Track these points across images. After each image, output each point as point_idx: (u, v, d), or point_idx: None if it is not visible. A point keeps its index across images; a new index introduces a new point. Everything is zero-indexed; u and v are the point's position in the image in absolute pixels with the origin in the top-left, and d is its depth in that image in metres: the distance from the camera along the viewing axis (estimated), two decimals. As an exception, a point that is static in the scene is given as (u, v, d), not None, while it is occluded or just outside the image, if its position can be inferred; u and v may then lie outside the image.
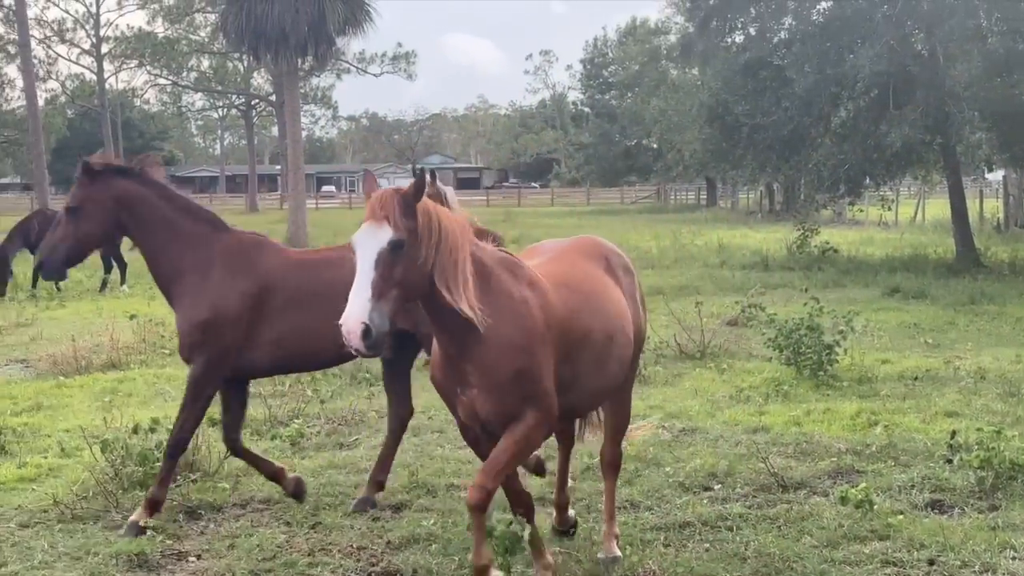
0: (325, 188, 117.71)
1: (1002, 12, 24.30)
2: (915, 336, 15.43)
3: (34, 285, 23.03)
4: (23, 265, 23.73)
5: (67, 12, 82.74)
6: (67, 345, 14.64)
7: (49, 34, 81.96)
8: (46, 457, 9.62)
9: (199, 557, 7.15)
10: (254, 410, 10.58)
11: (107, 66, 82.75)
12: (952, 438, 8.81)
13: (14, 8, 53.37)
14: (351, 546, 7.19)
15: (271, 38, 37.23)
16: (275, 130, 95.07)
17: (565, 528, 7.26)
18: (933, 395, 11.29)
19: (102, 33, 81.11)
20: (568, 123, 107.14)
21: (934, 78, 23.80)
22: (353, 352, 5.22)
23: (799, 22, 27.92)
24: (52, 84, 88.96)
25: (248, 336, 7.72)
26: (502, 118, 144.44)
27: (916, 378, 12.13)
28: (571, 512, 7.34)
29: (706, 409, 10.96)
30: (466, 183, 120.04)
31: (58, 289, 23.17)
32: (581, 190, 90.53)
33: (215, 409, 8.27)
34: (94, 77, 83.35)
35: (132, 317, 17.10)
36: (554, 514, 7.31)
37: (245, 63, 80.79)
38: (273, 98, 79.10)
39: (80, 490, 8.30)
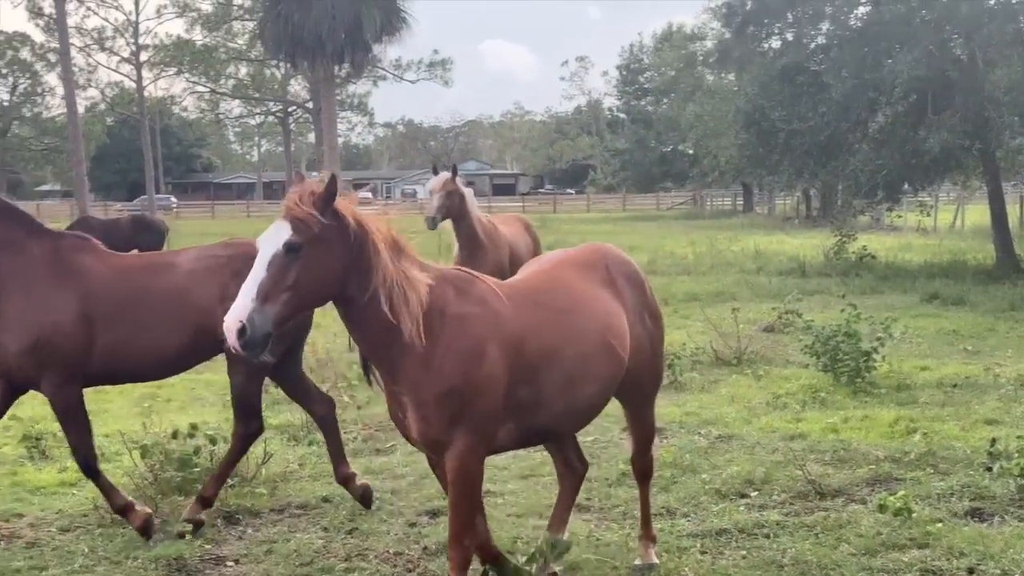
0: (361, 194, 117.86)
1: (1042, 16, 24.12)
2: (954, 343, 15.32)
3: None
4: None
5: (107, 20, 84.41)
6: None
7: (89, 42, 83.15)
8: (86, 462, 9.72)
9: (237, 562, 7.20)
10: (291, 416, 10.65)
11: (146, 74, 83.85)
12: (992, 446, 8.74)
13: (55, 17, 54.02)
14: (388, 551, 7.22)
15: (308, 45, 37.50)
16: (312, 137, 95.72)
17: None
18: (972, 402, 11.21)
19: (141, 41, 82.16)
20: (604, 129, 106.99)
21: (973, 83, 23.61)
22: (233, 350, 5.02)
23: (836, 27, 27.76)
24: (92, 92, 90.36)
25: (85, 346, 7.33)
26: (538, 124, 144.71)
27: (955, 385, 12.04)
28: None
29: (742, 416, 10.93)
30: (502, 189, 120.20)
31: None
32: (617, 196, 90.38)
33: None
34: (133, 85, 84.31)
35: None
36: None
37: (282, 70, 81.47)
38: (310, 105, 79.60)
39: (120, 495, 8.36)
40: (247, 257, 5.71)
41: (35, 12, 78.14)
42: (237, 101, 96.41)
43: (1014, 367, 12.90)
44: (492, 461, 9.05)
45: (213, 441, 8.71)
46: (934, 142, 22.90)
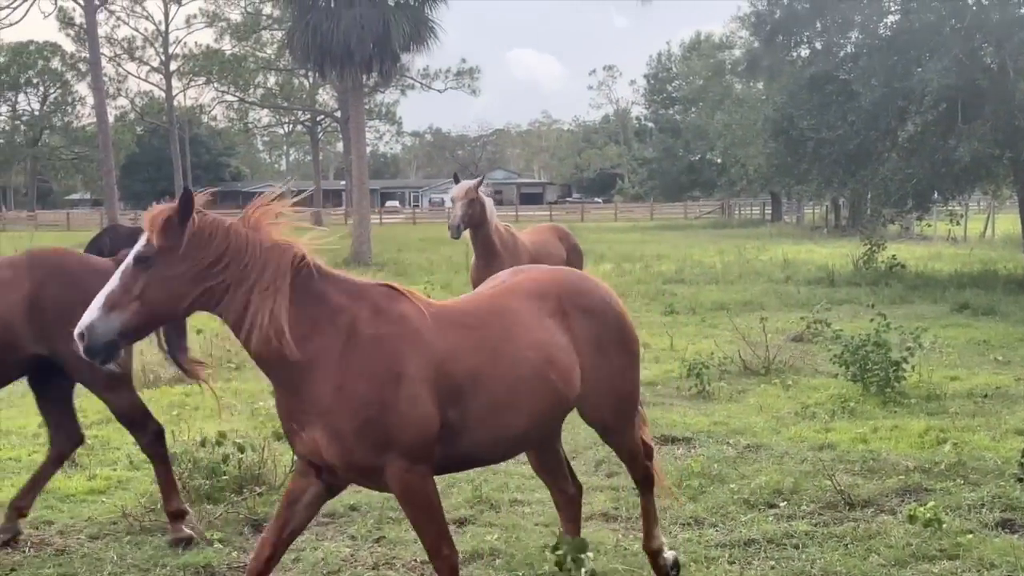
0: (389, 203, 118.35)
1: (1074, 24, 23.95)
2: (985, 353, 15.21)
3: None
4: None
5: (136, 30, 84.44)
6: (135, 359, 14.79)
7: (119, 52, 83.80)
8: (115, 469, 9.79)
9: (265, 570, 7.20)
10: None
11: (175, 83, 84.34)
12: (1023, 456, 8.68)
13: (85, 27, 54.46)
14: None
15: (336, 55, 37.56)
16: (340, 146, 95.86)
17: None
18: (1003, 412, 11.13)
19: (171, 51, 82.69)
20: (631, 138, 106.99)
21: (1004, 92, 23.51)
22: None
23: (866, 36, 27.71)
24: (122, 101, 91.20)
25: None
26: (565, 133, 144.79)
27: (986, 395, 11.96)
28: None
29: (771, 425, 10.88)
30: (529, 198, 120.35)
31: None
32: (644, 205, 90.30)
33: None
34: (163, 94, 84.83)
35: (199, 332, 17.28)
36: None
37: (311, 80, 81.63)
38: (338, 114, 79.75)
39: (148, 502, 8.39)
40: None
41: (66, 22, 78.95)
42: (266, 110, 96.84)
43: (1045, 377, 12.80)
44: (519, 470, 9.06)
45: (241, 449, 8.74)
46: (964, 151, 22.80)
